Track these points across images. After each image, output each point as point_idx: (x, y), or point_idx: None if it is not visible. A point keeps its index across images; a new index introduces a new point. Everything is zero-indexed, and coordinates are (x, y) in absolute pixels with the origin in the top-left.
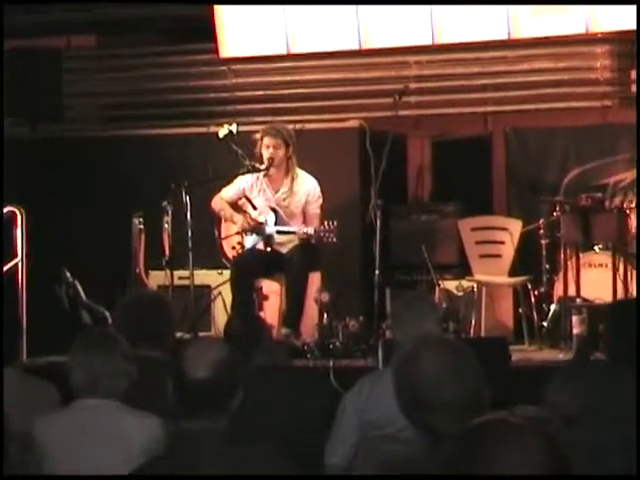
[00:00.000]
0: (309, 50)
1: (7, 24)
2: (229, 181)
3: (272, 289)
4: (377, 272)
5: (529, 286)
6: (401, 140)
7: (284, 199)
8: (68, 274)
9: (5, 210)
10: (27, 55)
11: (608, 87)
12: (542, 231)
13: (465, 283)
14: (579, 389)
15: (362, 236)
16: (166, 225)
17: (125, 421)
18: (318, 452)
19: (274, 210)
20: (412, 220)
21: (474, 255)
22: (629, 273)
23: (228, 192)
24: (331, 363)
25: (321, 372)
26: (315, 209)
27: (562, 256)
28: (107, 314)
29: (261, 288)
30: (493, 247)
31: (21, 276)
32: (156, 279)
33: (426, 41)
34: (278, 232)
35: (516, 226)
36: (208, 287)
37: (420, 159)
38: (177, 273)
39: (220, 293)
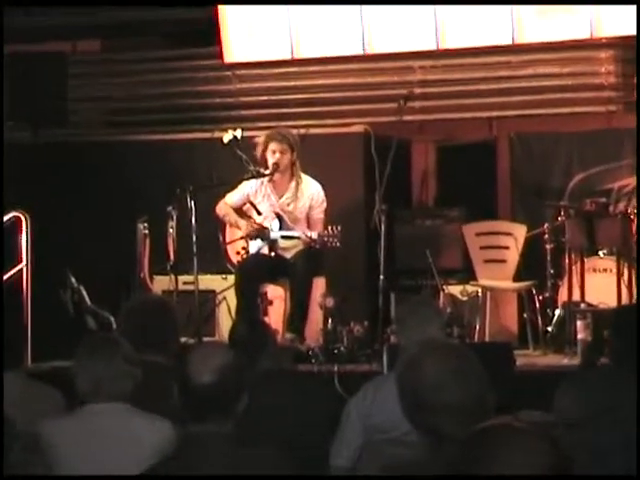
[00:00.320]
0: (314, 55)
1: (9, 27)
2: (233, 186)
3: (277, 294)
4: (381, 277)
5: (534, 291)
6: (406, 145)
7: (288, 204)
8: (73, 279)
9: (9, 215)
10: (31, 59)
11: (613, 92)
12: (547, 236)
13: (469, 288)
14: (585, 395)
15: (366, 241)
16: (171, 230)
17: (136, 423)
18: (322, 456)
19: (278, 215)
20: (417, 225)
21: (479, 260)
22: (633, 278)
23: (232, 197)
24: (336, 368)
25: (326, 377)
26: (319, 214)
27: (567, 261)
28: (112, 319)
29: (266, 293)
30: (498, 252)
31: (26, 281)
32: (160, 284)
33: (430, 46)
34: (282, 237)
35: (521, 231)
36: (213, 292)
37: (425, 164)
38: (182, 278)
39: (225, 298)
